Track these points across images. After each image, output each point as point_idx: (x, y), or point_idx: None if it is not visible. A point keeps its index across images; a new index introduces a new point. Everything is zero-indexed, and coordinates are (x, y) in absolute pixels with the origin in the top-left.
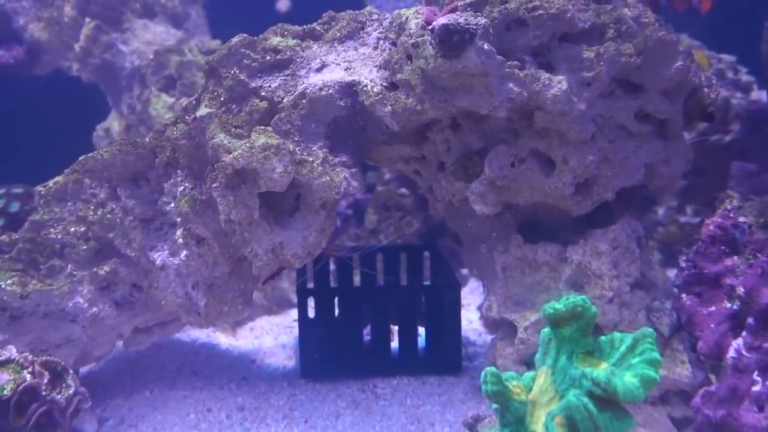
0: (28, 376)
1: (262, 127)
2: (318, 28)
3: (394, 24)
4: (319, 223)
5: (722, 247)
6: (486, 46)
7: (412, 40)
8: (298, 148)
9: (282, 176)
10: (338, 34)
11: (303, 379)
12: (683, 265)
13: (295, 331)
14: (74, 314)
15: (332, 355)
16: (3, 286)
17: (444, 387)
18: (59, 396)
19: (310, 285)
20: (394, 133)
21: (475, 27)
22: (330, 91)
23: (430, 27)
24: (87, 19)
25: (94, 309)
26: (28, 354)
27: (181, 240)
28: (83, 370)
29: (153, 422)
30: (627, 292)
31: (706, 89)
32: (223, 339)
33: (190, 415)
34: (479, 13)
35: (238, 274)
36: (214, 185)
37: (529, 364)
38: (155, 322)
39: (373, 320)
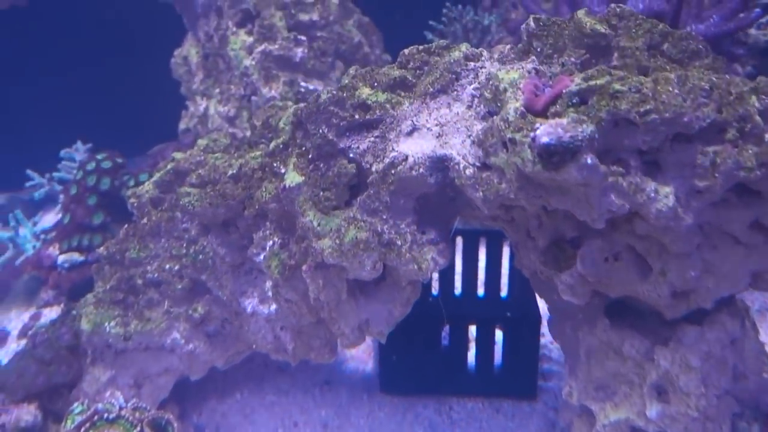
0: None
1: (350, 212)
2: (409, 77)
3: (491, 83)
4: (404, 297)
5: None
6: (589, 161)
7: (509, 135)
8: (386, 226)
9: (370, 273)
10: (431, 89)
11: (383, 392)
12: None
13: None
14: (172, 347)
15: (411, 371)
16: (107, 329)
17: (518, 420)
18: None
19: None
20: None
21: (579, 143)
22: (421, 170)
23: (533, 134)
24: None
25: (190, 346)
26: (134, 403)
27: (270, 294)
28: (192, 379)
29: None
30: (714, 405)
31: None
32: None
33: (278, 430)
34: (583, 112)
35: (324, 324)
36: (303, 268)
37: None
38: (247, 348)
39: (452, 339)
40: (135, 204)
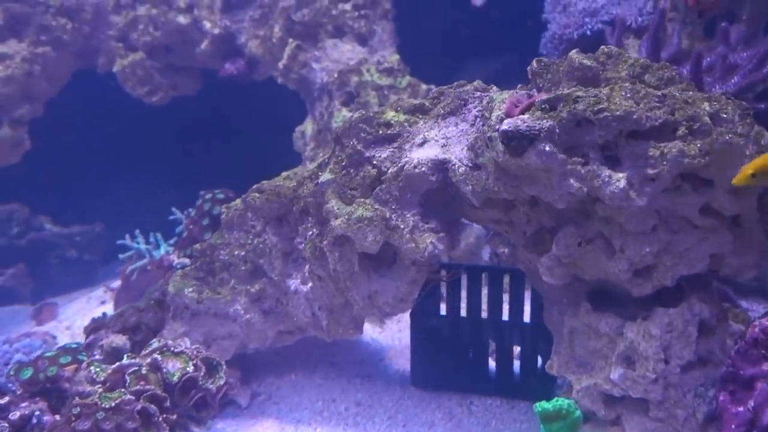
0: (192, 368)
1: (363, 200)
2: (427, 104)
3: (488, 104)
4: (410, 276)
5: (763, 351)
6: (547, 148)
7: (489, 133)
8: (394, 215)
9: (371, 244)
10: (442, 111)
11: (413, 386)
12: (729, 360)
13: None
14: (234, 317)
15: (438, 370)
16: (186, 292)
17: (530, 414)
18: (212, 385)
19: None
20: (483, 201)
21: (536, 131)
22: (423, 168)
23: (498, 126)
24: (290, 40)
25: (248, 316)
26: (196, 348)
27: (307, 274)
28: (251, 348)
29: (291, 403)
30: (676, 374)
31: None
32: (369, 331)
33: (318, 402)
34: (548, 113)
35: (351, 305)
36: (324, 242)
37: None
38: (295, 328)
39: (475, 345)
40: (225, 213)
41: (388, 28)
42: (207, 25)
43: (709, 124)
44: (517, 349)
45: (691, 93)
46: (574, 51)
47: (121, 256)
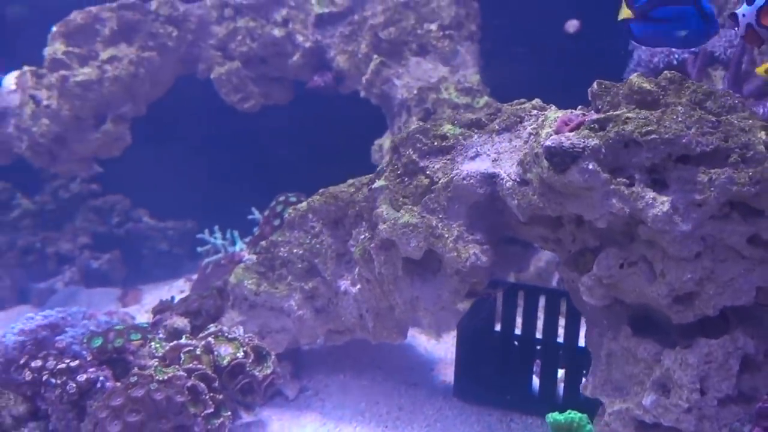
0: (241, 354)
1: (411, 207)
2: (483, 119)
3: (543, 122)
4: (452, 285)
5: None
6: (590, 166)
7: (536, 149)
8: (440, 223)
9: (415, 250)
10: (497, 127)
11: (455, 397)
12: (766, 395)
13: None
14: (288, 312)
15: (481, 384)
16: (246, 284)
17: None
18: (259, 373)
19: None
20: (529, 216)
21: (580, 149)
22: (471, 180)
23: (543, 142)
24: (375, 56)
25: (300, 312)
26: (249, 336)
27: (357, 276)
28: (302, 344)
29: (336, 401)
30: (713, 406)
31: None
32: (423, 341)
33: (362, 403)
34: (596, 133)
35: (395, 310)
36: (371, 245)
37: None
38: (344, 328)
39: (521, 363)
40: (290, 213)
41: (472, 49)
42: (300, 38)
43: (764, 152)
44: (561, 371)
45: (750, 121)
46: (635, 74)
47: (199, 249)
